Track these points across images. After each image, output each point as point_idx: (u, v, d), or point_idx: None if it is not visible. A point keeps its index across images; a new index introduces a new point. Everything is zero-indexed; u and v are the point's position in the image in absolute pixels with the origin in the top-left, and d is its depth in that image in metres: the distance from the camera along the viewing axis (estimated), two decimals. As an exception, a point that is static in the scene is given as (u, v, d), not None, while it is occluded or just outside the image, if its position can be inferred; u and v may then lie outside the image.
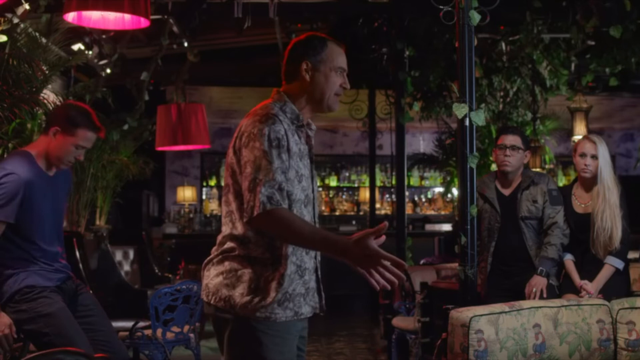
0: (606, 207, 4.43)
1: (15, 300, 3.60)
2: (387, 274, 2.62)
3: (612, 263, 4.44)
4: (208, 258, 2.71)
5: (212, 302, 2.62)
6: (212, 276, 2.65)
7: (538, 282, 4.43)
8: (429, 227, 11.72)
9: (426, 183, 13.21)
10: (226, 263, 2.62)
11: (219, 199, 12.44)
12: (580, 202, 4.59)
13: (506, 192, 4.68)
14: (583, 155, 4.51)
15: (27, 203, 3.60)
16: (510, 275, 4.59)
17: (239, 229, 2.61)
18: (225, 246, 2.64)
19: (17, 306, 3.60)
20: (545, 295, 4.38)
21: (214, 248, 2.72)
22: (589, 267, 4.49)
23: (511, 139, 4.61)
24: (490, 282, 4.61)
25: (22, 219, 3.60)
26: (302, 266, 2.65)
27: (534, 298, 4.37)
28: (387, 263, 2.56)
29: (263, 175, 2.49)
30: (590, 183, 4.54)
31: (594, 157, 4.48)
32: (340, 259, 2.52)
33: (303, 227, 2.52)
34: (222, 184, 2.81)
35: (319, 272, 2.77)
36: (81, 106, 3.90)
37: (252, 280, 2.57)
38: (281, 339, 2.60)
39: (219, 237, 2.71)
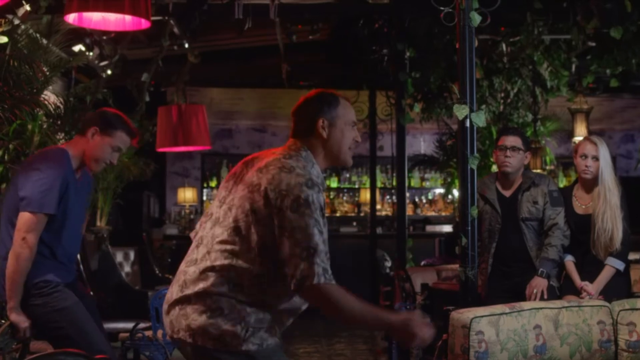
0: (607, 208, 4.43)
1: (31, 294, 3.61)
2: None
3: (613, 264, 4.43)
4: (180, 295, 2.58)
5: (199, 343, 2.52)
6: (192, 314, 2.54)
7: (539, 284, 4.43)
8: (430, 228, 11.71)
9: (427, 184, 13.20)
10: (209, 302, 2.53)
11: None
12: (580, 203, 4.59)
13: (507, 193, 4.67)
14: (584, 156, 4.51)
15: (63, 199, 3.63)
16: (510, 276, 4.59)
17: (239, 275, 2.54)
18: (209, 283, 2.54)
19: (33, 300, 3.61)
20: (545, 297, 4.38)
21: (183, 282, 2.60)
22: (590, 268, 4.49)
23: (512, 140, 4.60)
24: (490, 283, 4.61)
25: (57, 214, 3.62)
26: (294, 307, 2.69)
27: (535, 299, 4.36)
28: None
29: (315, 246, 2.47)
30: (591, 184, 4.54)
31: (595, 158, 4.48)
32: (395, 330, 2.61)
33: (354, 307, 2.51)
34: (212, 213, 2.71)
35: None
36: (118, 113, 3.96)
37: (242, 317, 2.53)
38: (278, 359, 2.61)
39: (191, 269, 2.60)
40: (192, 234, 2.81)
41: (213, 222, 2.66)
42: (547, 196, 4.58)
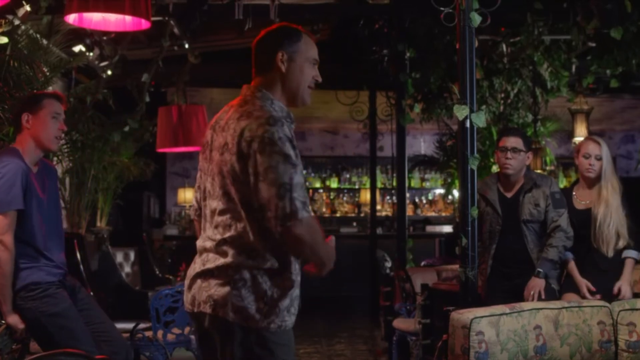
0: (610, 204, 4.46)
1: (20, 297, 3.61)
2: None
3: (631, 255, 4.46)
4: (203, 269, 2.56)
5: (219, 314, 2.48)
6: (215, 286, 2.50)
7: (535, 284, 4.42)
8: (430, 228, 11.73)
9: (427, 184, 13.20)
10: (231, 272, 2.49)
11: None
12: (580, 199, 4.61)
13: (508, 194, 4.65)
14: (587, 156, 4.53)
15: (28, 193, 3.63)
16: (510, 277, 4.58)
17: (247, 238, 2.49)
18: (229, 256, 2.50)
19: (23, 304, 3.61)
20: (543, 297, 4.37)
21: (205, 256, 2.58)
22: (590, 269, 4.50)
23: (512, 141, 4.59)
24: (490, 283, 4.60)
25: (25, 210, 3.62)
26: (299, 271, 2.62)
27: (532, 300, 4.36)
28: None
29: (290, 180, 2.39)
30: (593, 183, 4.57)
31: (598, 157, 4.51)
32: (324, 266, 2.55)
33: (321, 241, 2.48)
34: (204, 187, 2.67)
35: None
36: (30, 93, 4.05)
37: (264, 290, 2.48)
38: (288, 347, 2.55)
39: (208, 244, 2.58)
40: (192, 212, 2.80)
41: (206, 195, 2.64)
42: (550, 198, 4.55)
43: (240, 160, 2.47)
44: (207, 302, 2.52)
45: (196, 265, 2.62)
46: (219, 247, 2.54)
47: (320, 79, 2.71)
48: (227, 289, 2.48)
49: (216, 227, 2.56)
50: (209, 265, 2.55)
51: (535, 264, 4.52)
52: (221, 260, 2.52)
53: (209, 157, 2.62)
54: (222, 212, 2.55)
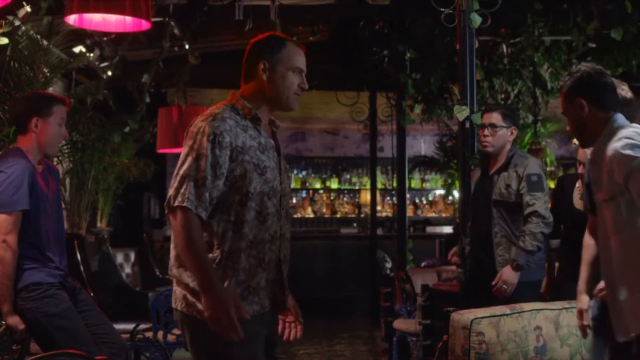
0: None
1: (21, 297, 3.61)
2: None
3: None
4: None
5: (178, 307, 2.61)
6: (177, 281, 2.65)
7: (508, 278, 4.15)
8: (430, 229, 11.71)
9: (427, 185, 13.19)
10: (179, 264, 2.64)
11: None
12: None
13: (490, 173, 4.40)
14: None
15: (33, 193, 3.62)
16: (481, 264, 4.32)
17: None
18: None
19: (23, 304, 3.61)
20: (508, 293, 4.11)
21: None
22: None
23: (489, 117, 4.35)
24: (470, 272, 4.33)
25: (30, 211, 3.62)
26: (265, 259, 2.63)
27: (503, 295, 4.14)
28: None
29: (186, 173, 2.53)
30: None
31: None
32: (205, 302, 2.47)
33: (199, 248, 2.50)
34: None
35: (283, 267, 2.72)
36: (36, 92, 4.03)
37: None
38: (249, 337, 2.52)
39: None
40: None
41: None
42: (525, 180, 4.24)
43: None
44: (175, 298, 2.64)
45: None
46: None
47: (306, 87, 2.78)
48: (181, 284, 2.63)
49: None
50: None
51: (496, 250, 4.24)
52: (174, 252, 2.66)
53: None
54: None
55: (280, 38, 2.76)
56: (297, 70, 2.74)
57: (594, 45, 7.09)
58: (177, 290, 2.62)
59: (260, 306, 2.62)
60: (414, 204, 12.98)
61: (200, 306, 2.50)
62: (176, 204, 2.50)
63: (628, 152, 2.67)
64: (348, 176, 13.10)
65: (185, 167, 2.54)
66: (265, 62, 2.70)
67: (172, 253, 2.63)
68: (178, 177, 2.54)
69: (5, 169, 3.60)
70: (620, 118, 2.91)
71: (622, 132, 2.80)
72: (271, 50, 2.72)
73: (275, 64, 2.71)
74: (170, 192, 2.53)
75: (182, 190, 2.51)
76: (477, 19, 4.12)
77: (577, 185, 4.46)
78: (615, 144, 2.74)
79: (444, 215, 12.92)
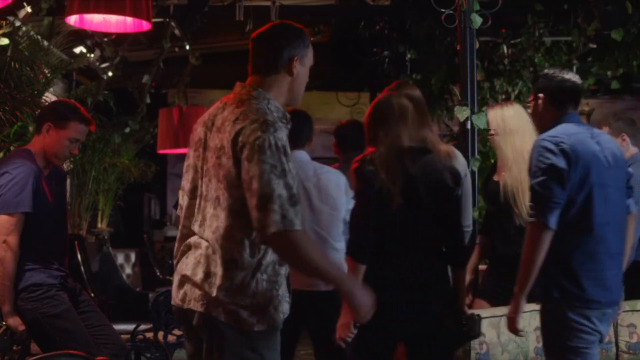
0: None
1: (21, 298, 3.61)
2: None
3: None
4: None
5: (212, 314, 2.41)
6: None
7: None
8: (431, 230, 11.68)
9: (428, 186, 13.19)
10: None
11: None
12: None
13: None
14: None
15: (37, 196, 3.62)
16: None
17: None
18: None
19: (23, 305, 3.61)
20: None
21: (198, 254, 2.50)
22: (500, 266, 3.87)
23: None
24: None
25: (32, 213, 3.61)
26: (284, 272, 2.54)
27: None
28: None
29: (271, 192, 2.29)
30: None
31: None
32: (343, 295, 2.48)
33: (319, 257, 2.39)
34: (195, 186, 2.56)
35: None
36: (69, 102, 3.94)
37: (257, 292, 2.43)
38: (274, 351, 2.49)
39: (200, 242, 2.49)
40: (179, 212, 2.67)
41: (197, 194, 2.53)
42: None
43: (236, 166, 2.39)
44: (199, 301, 2.45)
45: (189, 261, 2.52)
46: (208, 250, 2.46)
47: (306, 81, 2.67)
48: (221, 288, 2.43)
49: (203, 226, 2.49)
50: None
51: None
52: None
53: (203, 157, 2.52)
54: (212, 217, 2.46)
55: (302, 30, 2.59)
56: (310, 66, 2.64)
57: (594, 46, 7.10)
58: (213, 297, 2.42)
59: (284, 314, 2.53)
60: (415, 204, 12.97)
61: (255, 320, 2.41)
62: (282, 228, 2.29)
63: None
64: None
65: (267, 186, 2.30)
66: (297, 57, 2.52)
67: (220, 275, 2.42)
68: (264, 199, 2.30)
69: (11, 170, 3.60)
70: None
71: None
72: (303, 44, 2.55)
73: (305, 59, 2.56)
74: (264, 216, 2.30)
75: (276, 213, 2.29)
76: (477, 20, 4.12)
77: None
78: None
79: (444, 216, 12.90)
